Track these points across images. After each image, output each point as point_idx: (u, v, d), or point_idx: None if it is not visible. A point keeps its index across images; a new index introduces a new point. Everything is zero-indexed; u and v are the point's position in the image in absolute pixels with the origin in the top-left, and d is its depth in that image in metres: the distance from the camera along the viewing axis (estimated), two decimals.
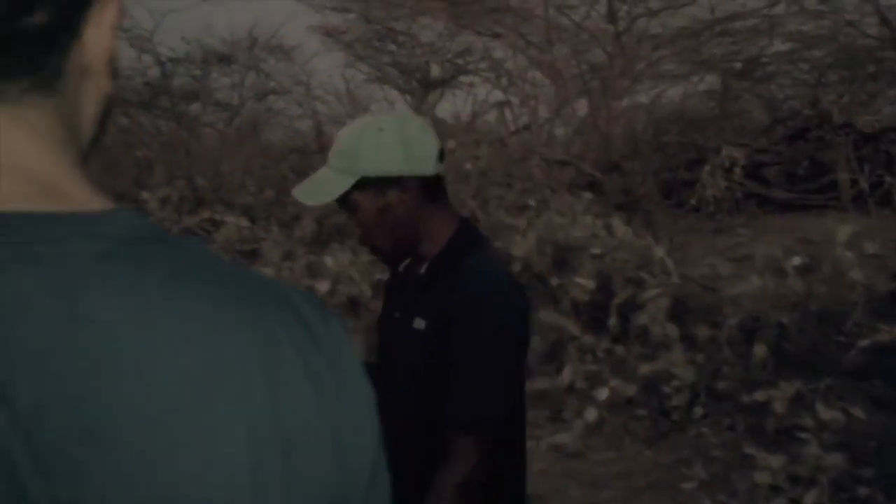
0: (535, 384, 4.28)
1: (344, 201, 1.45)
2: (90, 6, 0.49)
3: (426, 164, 1.44)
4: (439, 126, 7.98)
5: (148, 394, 0.42)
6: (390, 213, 1.44)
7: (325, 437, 0.48)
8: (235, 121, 10.45)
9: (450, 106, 10.50)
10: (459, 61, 10.88)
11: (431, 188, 1.46)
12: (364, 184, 1.42)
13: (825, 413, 3.66)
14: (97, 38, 0.50)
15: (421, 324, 1.44)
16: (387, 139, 1.43)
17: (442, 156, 1.50)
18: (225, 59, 9.93)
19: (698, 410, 4.15)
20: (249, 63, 10.03)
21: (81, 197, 0.47)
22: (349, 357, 0.52)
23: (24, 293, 0.41)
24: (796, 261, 4.53)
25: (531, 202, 6.48)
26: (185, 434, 0.43)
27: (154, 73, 9.79)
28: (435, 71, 10.69)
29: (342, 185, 1.43)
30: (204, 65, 9.91)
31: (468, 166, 7.12)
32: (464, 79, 11.01)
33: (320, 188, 1.48)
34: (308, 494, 0.47)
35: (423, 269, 1.49)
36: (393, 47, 11.42)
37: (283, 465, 0.45)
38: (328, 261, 5.75)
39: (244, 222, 8.26)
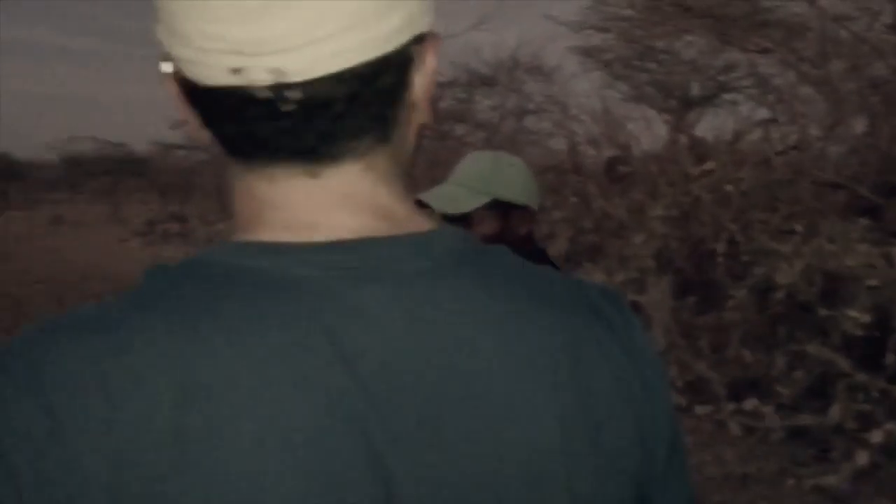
0: (798, 420, 4.07)
1: (464, 216, 1.73)
2: (420, 58, 0.57)
3: (536, 199, 1.81)
4: (699, 146, 7.78)
5: (476, 380, 0.51)
6: (508, 233, 1.76)
7: (627, 423, 0.56)
8: (494, 140, 10.86)
9: (710, 125, 10.16)
10: (722, 78, 10.49)
11: (534, 218, 1.84)
12: (492, 205, 1.74)
13: None
14: (421, 81, 0.58)
15: None
16: (518, 172, 1.80)
17: None
18: (488, 82, 10.35)
19: None
20: (510, 85, 10.38)
21: (412, 220, 0.57)
22: (643, 346, 0.60)
23: (374, 305, 0.51)
24: None
25: (798, 227, 6.11)
26: (508, 413, 0.52)
27: None
28: (696, 89, 10.39)
29: (478, 201, 1.72)
30: (468, 87, 10.40)
31: (729, 188, 6.86)
32: (726, 96, 10.59)
33: (456, 200, 1.73)
34: (613, 469, 0.54)
35: None
36: (652, 65, 11.25)
37: (591, 443, 0.53)
38: None
39: None
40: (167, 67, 0.56)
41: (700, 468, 4.43)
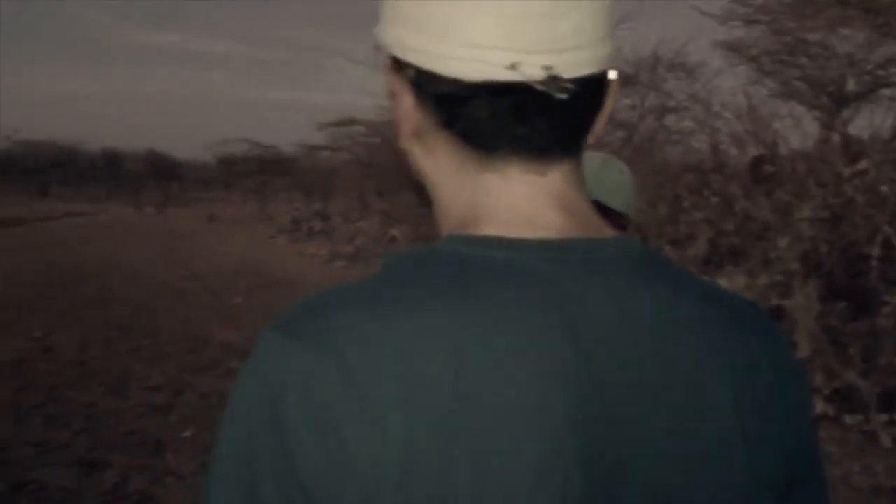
0: None
1: None
2: (612, 87, 0.65)
3: (635, 209, 1.81)
4: (853, 144, 7.38)
5: (669, 366, 0.58)
6: None
7: (780, 413, 0.62)
8: (633, 139, 10.70)
9: (866, 123, 9.58)
10: (881, 73, 9.87)
11: (626, 227, 1.82)
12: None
13: None
14: (608, 106, 0.65)
15: None
16: (623, 180, 1.79)
17: None
18: (628, 80, 10.21)
19: None
20: (651, 83, 10.19)
21: (599, 223, 0.65)
22: (788, 358, 0.66)
23: (587, 293, 0.58)
24: None
25: None
26: (699, 401, 0.58)
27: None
28: (851, 84, 9.83)
29: None
30: None
31: (884, 188, 6.48)
32: (885, 92, 9.96)
33: None
34: (777, 449, 0.61)
35: None
36: (804, 60, 10.72)
37: (761, 428, 0.60)
38: (722, 283, 5.69)
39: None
40: (395, 72, 0.64)
41: (847, 479, 4.24)
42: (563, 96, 0.58)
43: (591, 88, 0.61)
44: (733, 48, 10.79)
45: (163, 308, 9.38)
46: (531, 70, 0.57)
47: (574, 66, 0.59)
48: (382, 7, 0.66)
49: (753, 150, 9.38)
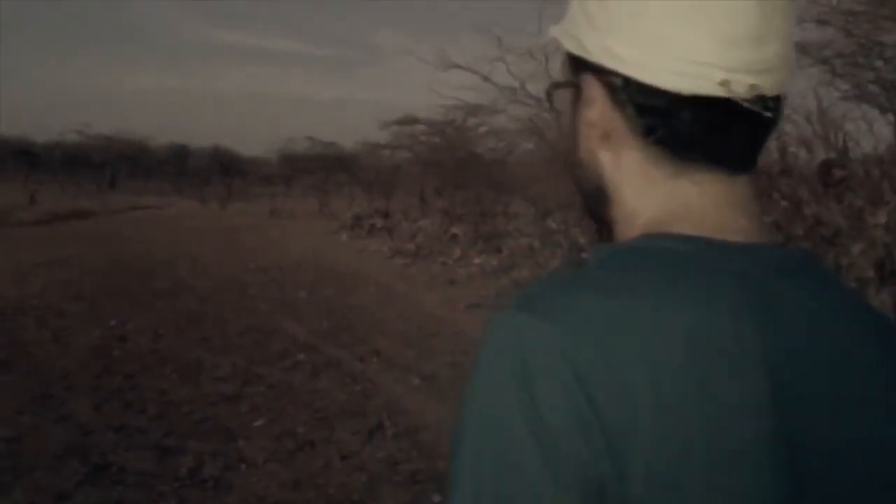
0: None
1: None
2: None
3: None
4: None
5: (857, 369, 0.62)
6: None
7: None
8: None
9: None
10: None
11: None
12: None
13: None
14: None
15: None
16: None
17: None
18: None
19: None
20: None
21: (765, 229, 0.69)
22: None
23: (785, 295, 0.62)
24: None
25: None
26: (879, 398, 0.62)
27: None
28: None
29: None
30: None
31: None
32: None
33: None
34: None
35: None
36: (878, 63, 10.43)
37: None
38: None
39: None
40: (593, 79, 0.67)
41: None
42: (768, 114, 0.64)
43: (780, 106, 0.66)
44: (804, 49, 10.55)
45: (229, 300, 9.62)
46: (739, 88, 0.62)
47: (774, 85, 0.64)
48: (578, 14, 0.69)
49: (822, 154, 9.18)
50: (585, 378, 0.55)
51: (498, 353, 0.58)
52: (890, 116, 10.50)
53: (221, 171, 34.73)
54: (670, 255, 0.63)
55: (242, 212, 25.12)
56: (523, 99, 11.20)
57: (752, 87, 0.63)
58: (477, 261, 11.97)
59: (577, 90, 0.71)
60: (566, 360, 0.56)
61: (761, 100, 0.63)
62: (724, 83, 0.62)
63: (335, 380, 6.14)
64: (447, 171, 15.05)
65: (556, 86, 0.75)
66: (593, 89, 0.68)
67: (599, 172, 0.71)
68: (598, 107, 0.68)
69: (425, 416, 5.27)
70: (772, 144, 10.35)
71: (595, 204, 0.73)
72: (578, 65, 0.70)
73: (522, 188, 12.46)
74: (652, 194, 0.68)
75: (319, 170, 24.87)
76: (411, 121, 15.75)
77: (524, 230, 10.76)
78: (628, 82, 0.65)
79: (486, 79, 11.05)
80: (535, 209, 11.31)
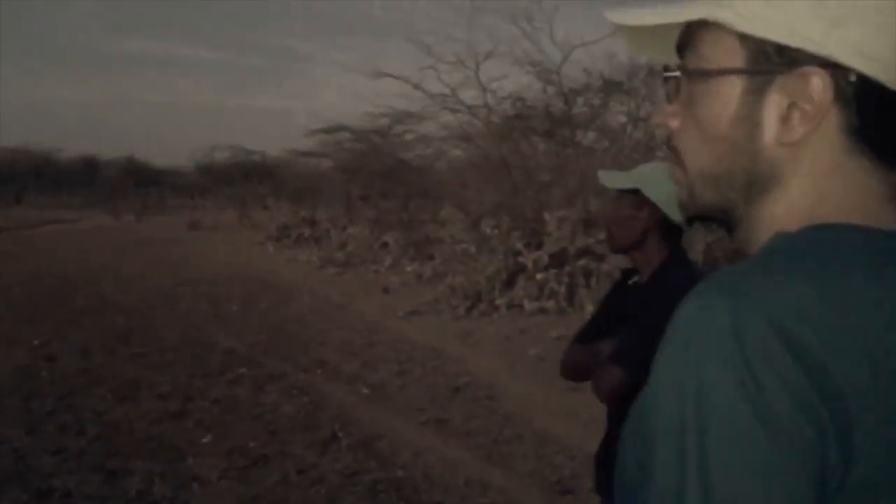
0: None
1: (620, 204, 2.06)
2: None
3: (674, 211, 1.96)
4: None
5: None
6: (636, 221, 2.03)
7: None
8: (625, 146, 10.81)
9: None
10: None
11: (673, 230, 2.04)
12: (632, 192, 2.03)
13: None
14: None
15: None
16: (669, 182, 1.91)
17: None
18: (621, 88, 10.33)
19: None
20: (643, 91, 10.32)
21: None
22: None
23: None
24: None
25: None
26: None
27: (557, 103, 10.53)
28: None
29: (625, 185, 2.04)
30: (602, 94, 10.41)
31: None
32: None
33: (613, 181, 2.08)
34: None
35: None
36: None
37: None
38: None
39: None
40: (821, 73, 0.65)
41: None
42: None
43: None
44: None
45: (158, 315, 9.32)
46: None
47: None
48: (801, 6, 0.66)
49: None
50: (805, 361, 0.55)
51: (712, 341, 0.57)
52: None
53: (135, 182, 33.65)
54: (853, 241, 0.63)
55: (160, 224, 24.39)
56: (454, 106, 11.25)
57: None
58: (409, 268, 11.94)
59: (756, 78, 0.68)
60: (785, 344, 0.55)
61: None
62: None
63: (281, 392, 6.01)
64: (373, 179, 14.98)
65: (731, 72, 0.69)
66: (799, 81, 0.66)
67: (758, 164, 0.69)
68: (810, 98, 0.66)
69: (378, 426, 5.21)
70: None
71: (734, 197, 0.72)
72: (765, 53, 0.67)
73: (451, 194, 12.50)
74: (831, 187, 0.67)
75: (240, 180, 24.40)
76: (337, 129, 15.62)
77: (458, 236, 10.78)
78: (865, 81, 0.64)
79: (416, 86, 11.05)
80: (466, 215, 11.35)
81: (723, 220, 0.74)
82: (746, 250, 0.74)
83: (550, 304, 8.73)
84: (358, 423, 5.27)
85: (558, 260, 9.04)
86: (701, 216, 0.77)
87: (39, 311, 9.37)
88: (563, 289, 8.78)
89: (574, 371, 2.14)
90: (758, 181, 0.70)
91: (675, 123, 0.76)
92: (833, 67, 0.65)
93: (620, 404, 1.96)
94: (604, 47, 20.48)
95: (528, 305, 8.81)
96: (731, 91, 0.69)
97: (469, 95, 11.20)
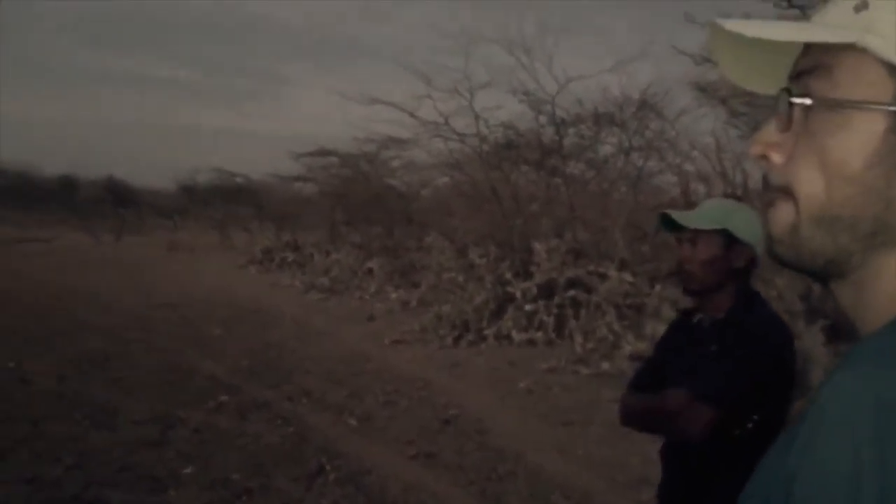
0: None
1: (695, 232, 2.01)
2: None
3: (759, 244, 1.98)
4: None
5: None
6: (726, 260, 1.99)
7: None
8: (614, 178, 10.81)
9: None
10: None
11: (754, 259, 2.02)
12: (720, 233, 1.99)
13: None
14: None
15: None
16: (749, 217, 2.01)
17: None
18: (612, 120, 10.33)
19: None
20: (634, 123, 10.34)
21: None
22: None
23: None
24: None
25: None
26: None
27: (549, 133, 10.52)
28: None
29: (709, 225, 1.99)
30: (594, 126, 10.41)
31: None
32: None
33: (694, 220, 2.02)
34: None
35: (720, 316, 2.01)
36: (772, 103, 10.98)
37: None
38: None
39: (627, 276, 8.49)
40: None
41: None
42: None
43: None
44: (703, 89, 11.00)
45: (136, 338, 9.08)
46: None
47: None
48: None
49: (719, 188, 9.57)
50: None
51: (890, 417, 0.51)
52: None
53: (114, 202, 33.25)
54: None
55: (139, 245, 24.05)
56: (446, 134, 11.21)
57: None
58: (394, 295, 11.79)
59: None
60: None
61: None
62: None
63: (265, 422, 5.82)
64: (358, 205, 14.87)
65: (877, 105, 0.62)
66: None
67: (893, 213, 0.62)
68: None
69: (366, 459, 5.04)
70: (674, 180, 10.73)
71: (852, 246, 0.64)
72: None
73: (437, 222, 12.42)
74: None
75: (222, 202, 24.16)
76: (324, 153, 15.52)
77: (445, 264, 10.67)
78: None
79: (412, 115, 11.02)
80: (451, 243, 11.26)
81: (824, 269, 0.66)
82: (851, 301, 0.66)
83: (539, 335, 8.62)
84: (345, 455, 5.09)
85: (547, 290, 8.94)
86: (800, 262, 0.68)
87: (11, 332, 9.09)
88: (551, 320, 8.67)
89: (643, 420, 2.06)
90: (886, 231, 0.62)
91: (777, 158, 0.68)
92: None
93: (688, 448, 1.87)
94: (599, 82, 20.72)
95: (517, 336, 8.68)
96: (871, 127, 0.62)
97: (462, 124, 11.16)
